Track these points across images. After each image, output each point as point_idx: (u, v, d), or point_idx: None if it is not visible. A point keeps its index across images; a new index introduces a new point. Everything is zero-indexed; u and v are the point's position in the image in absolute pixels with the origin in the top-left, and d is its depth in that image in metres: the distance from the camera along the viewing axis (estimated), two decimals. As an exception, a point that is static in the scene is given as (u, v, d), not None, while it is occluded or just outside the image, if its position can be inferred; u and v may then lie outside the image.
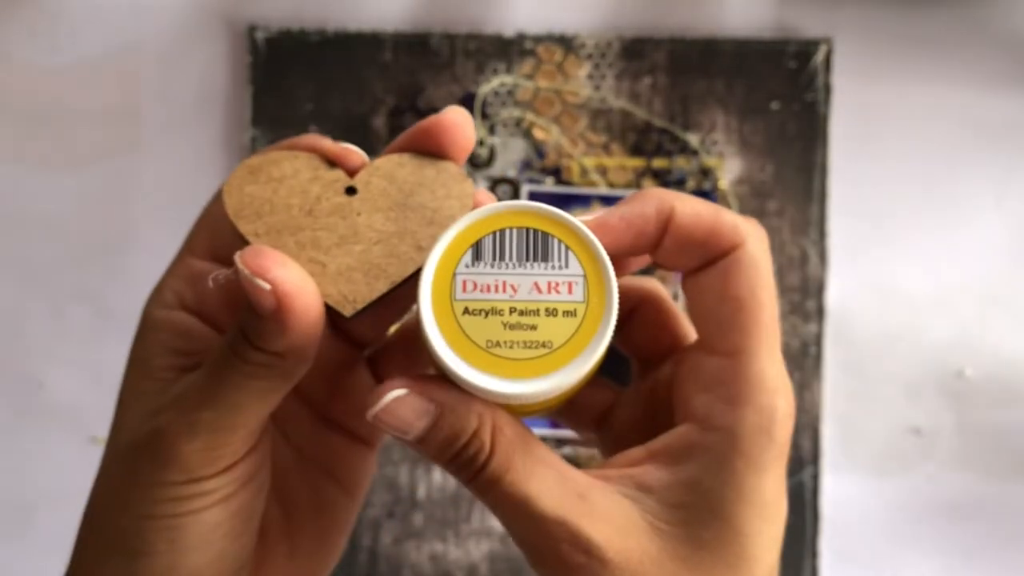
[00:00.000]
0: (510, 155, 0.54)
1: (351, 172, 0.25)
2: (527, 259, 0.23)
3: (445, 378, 0.23)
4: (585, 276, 0.23)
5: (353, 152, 0.25)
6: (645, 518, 0.23)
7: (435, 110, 0.54)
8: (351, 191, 0.25)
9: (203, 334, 0.25)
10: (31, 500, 0.55)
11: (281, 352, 0.22)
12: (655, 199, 0.25)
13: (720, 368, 0.24)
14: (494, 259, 0.23)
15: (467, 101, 0.54)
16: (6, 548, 0.55)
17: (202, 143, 0.55)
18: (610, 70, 0.55)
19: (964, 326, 0.55)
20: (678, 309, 0.28)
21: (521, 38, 0.54)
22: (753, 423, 0.24)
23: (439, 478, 0.55)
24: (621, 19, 0.55)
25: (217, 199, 0.26)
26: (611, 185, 0.54)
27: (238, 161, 0.55)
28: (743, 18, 0.55)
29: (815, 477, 0.54)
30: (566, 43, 0.54)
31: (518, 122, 0.54)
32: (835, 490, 0.55)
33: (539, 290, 0.23)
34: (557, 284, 0.23)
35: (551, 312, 0.23)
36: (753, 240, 0.25)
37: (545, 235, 0.23)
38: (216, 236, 0.26)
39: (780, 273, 0.55)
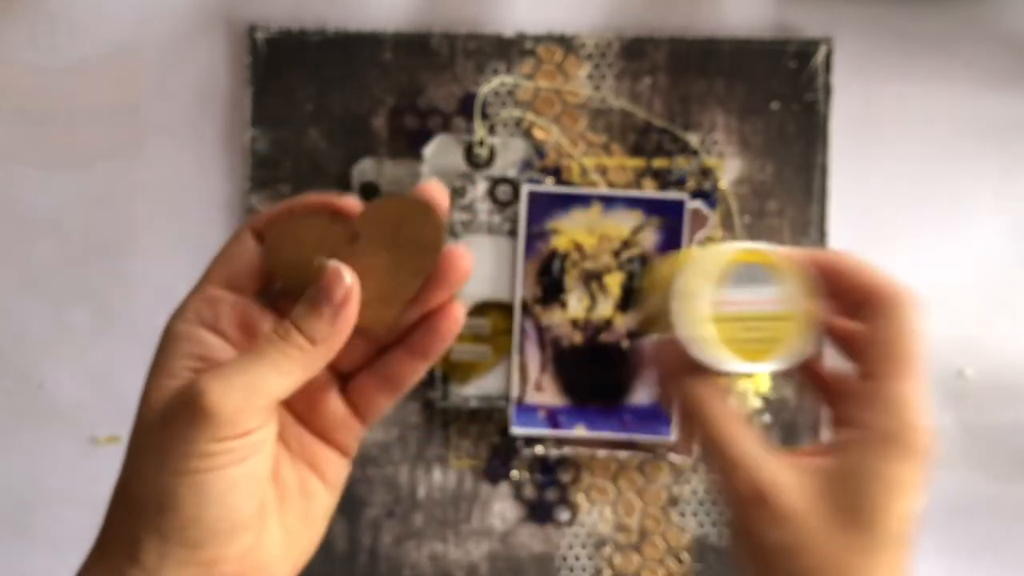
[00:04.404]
0: (510, 155, 0.54)
1: (352, 217, 0.31)
2: (754, 283, 0.33)
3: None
4: (796, 294, 0.33)
5: (351, 201, 0.31)
6: (814, 492, 0.31)
7: (435, 110, 0.54)
8: (355, 238, 0.31)
9: (217, 345, 0.30)
10: (31, 500, 0.55)
11: (317, 340, 0.29)
12: (839, 253, 0.34)
13: (874, 388, 0.32)
14: (732, 284, 0.33)
15: (467, 101, 0.54)
16: (6, 548, 0.55)
17: (202, 143, 0.55)
18: (610, 70, 0.55)
19: (964, 326, 0.55)
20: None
21: (521, 38, 0.54)
22: (895, 427, 0.31)
23: (439, 478, 0.55)
24: (621, 19, 0.55)
25: (235, 238, 0.31)
26: (611, 185, 0.54)
27: (238, 161, 0.55)
28: (743, 18, 0.55)
29: (815, 477, 0.54)
30: (566, 43, 0.54)
31: (518, 122, 0.54)
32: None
33: (762, 304, 0.33)
34: (776, 300, 0.33)
35: (776, 318, 0.33)
36: (909, 303, 0.32)
37: (764, 266, 0.33)
38: (233, 270, 0.31)
39: (780, 273, 0.55)
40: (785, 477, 0.32)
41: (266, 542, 0.30)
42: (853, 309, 0.33)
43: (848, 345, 0.34)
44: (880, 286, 0.33)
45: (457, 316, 0.32)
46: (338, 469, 0.33)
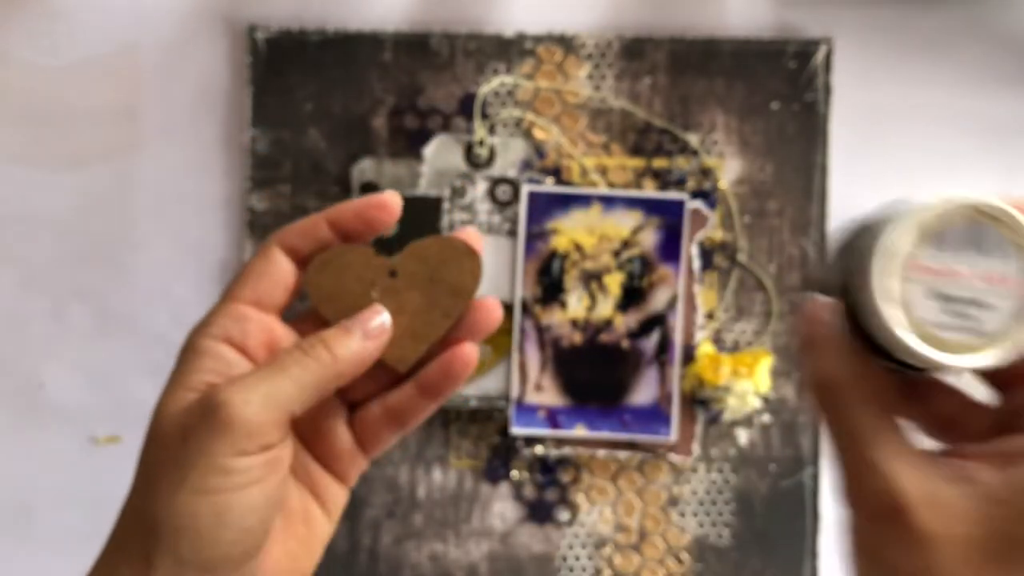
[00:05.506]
0: (510, 155, 0.54)
1: (391, 215, 0.31)
2: (969, 249, 0.24)
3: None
4: None
5: (383, 200, 0.31)
6: (969, 504, 0.25)
7: (435, 110, 0.54)
8: (394, 274, 0.32)
9: (241, 364, 0.31)
10: (31, 500, 0.55)
11: (340, 356, 0.30)
12: None
13: None
14: (937, 248, 0.24)
15: (467, 101, 0.54)
16: (6, 548, 0.55)
17: (202, 143, 0.55)
18: (610, 70, 0.55)
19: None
20: None
21: (521, 38, 0.54)
22: None
23: (439, 478, 0.55)
24: (621, 19, 0.55)
25: (263, 255, 0.32)
26: (611, 185, 0.54)
27: (238, 161, 0.55)
28: (743, 18, 0.55)
29: (815, 477, 0.54)
30: (566, 43, 0.54)
31: (518, 122, 0.54)
32: (835, 490, 0.55)
33: (979, 281, 0.24)
34: (998, 278, 0.24)
35: (986, 306, 0.24)
36: None
37: (988, 227, 0.24)
38: (262, 289, 0.31)
39: (780, 273, 0.55)
40: (929, 488, 0.25)
41: (270, 566, 0.31)
42: None
43: None
44: None
45: (470, 359, 0.32)
46: (338, 498, 0.33)
